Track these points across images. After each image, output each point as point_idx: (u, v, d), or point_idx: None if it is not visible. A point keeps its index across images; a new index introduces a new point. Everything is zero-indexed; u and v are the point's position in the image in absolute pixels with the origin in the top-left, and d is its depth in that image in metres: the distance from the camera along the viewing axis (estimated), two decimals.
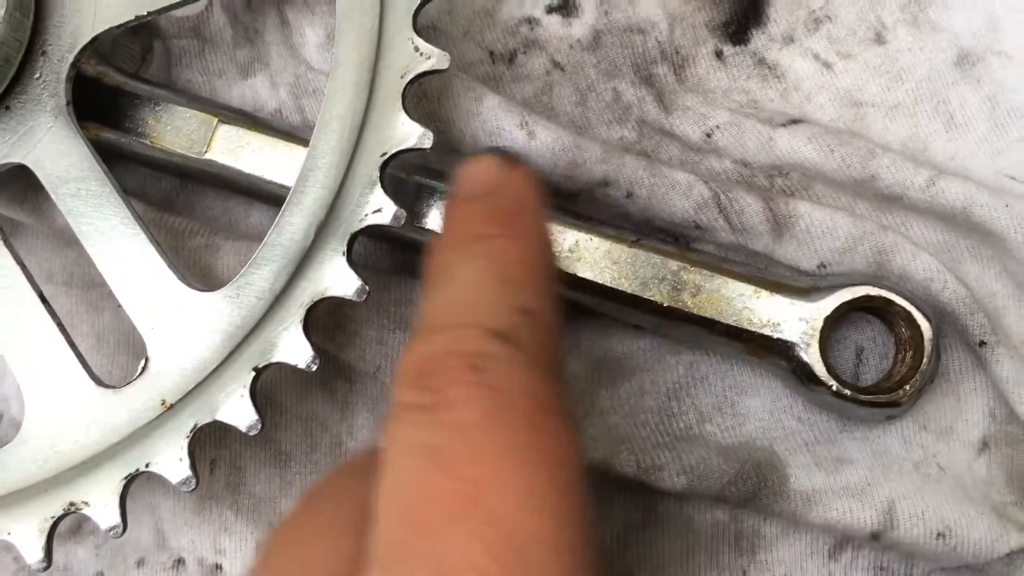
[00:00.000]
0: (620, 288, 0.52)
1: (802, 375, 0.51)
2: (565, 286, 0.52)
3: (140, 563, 0.55)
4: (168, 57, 0.59)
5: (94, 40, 0.49)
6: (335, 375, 0.56)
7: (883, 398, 0.51)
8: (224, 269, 0.54)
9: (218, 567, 0.55)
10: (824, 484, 0.51)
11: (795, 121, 0.56)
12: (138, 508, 0.55)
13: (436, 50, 0.47)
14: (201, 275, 0.54)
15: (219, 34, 0.58)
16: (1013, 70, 0.56)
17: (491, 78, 0.58)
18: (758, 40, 0.58)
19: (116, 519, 0.46)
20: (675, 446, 0.52)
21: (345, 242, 0.46)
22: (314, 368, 0.46)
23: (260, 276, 0.47)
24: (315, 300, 0.46)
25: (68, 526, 0.56)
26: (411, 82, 0.47)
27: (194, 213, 0.58)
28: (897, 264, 0.52)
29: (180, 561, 0.56)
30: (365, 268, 0.47)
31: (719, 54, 0.58)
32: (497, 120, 0.53)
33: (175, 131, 0.53)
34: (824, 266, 0.53)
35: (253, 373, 0.46)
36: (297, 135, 0.53)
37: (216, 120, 0.53)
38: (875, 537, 0.50)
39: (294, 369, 0.46)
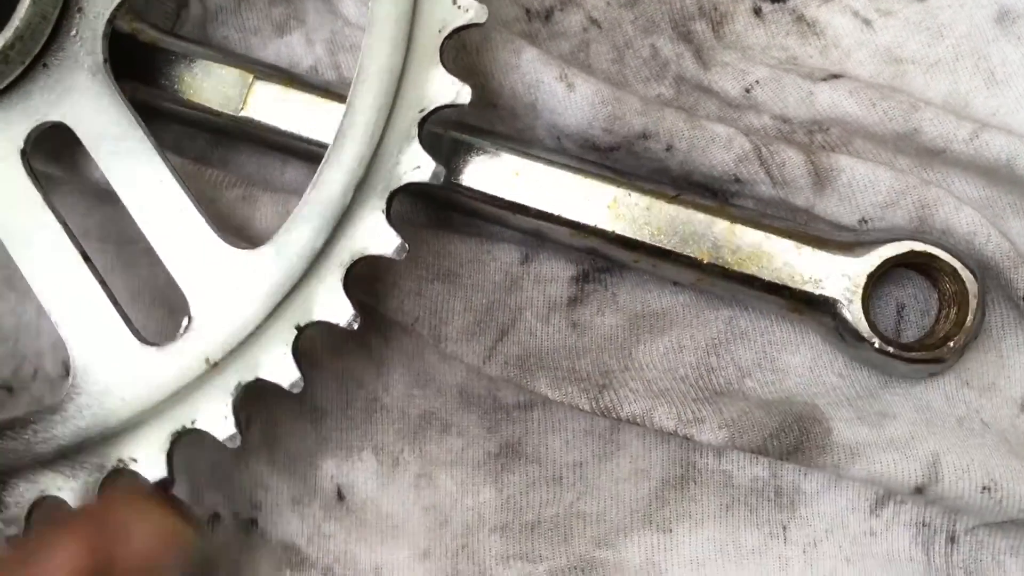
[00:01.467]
0: (659, 244, 0.51)
1: (844, 332, 0.51)
2: (603, 241, 0.52)
3: None
4: (204, 14, 0.59)
5: None
6: (370, 330, 0.56)
7: (926, 354, 0.51)
8: (263, 220, 0.53)
9: (253, 522, 0.55)
10: (868, 437, 0.50)
11: (835, 76, 0.55)
12: (175, 464, 0.55)
13: (474, 3, 0.47)
14: (239, 227, 0.54)
15: None
16: None
17: (527, 36, 0.58)
18: None
19: (164, 475, 0.47)
20: (715, 400, 0.52)
21: (384, 200, 0.46)
22: (355, 326, 0.46)
23: (300, 234, 0.46)
24: (355, 258, 0.46)
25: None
26: (449, 36, 0.47)
27: (229, 168, 0.58)
28: (940, 218, 0.52)
29: (216, 516, 0.55)
30: (402, 221, 0.47)
31: (757, 11, 0.58)
32: (536, 72, 0.53)
33: (211, 88, 0.53)
34: (866, 221, 0.53)
35: (295, 331, 0.46)
36: (334, 91, 0.53)
37: (252, 76, 0.53)
38: (919, 491, 0.50)
39: (334, 327, 0.46)
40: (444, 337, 0.54)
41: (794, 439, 0.50)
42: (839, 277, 0.50)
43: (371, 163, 0.46)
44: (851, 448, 0.50)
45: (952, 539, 0.52)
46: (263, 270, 0.47)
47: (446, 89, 0.46)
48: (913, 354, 0.51)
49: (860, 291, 0.50)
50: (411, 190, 0.46)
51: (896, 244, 0.51)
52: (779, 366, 0.54)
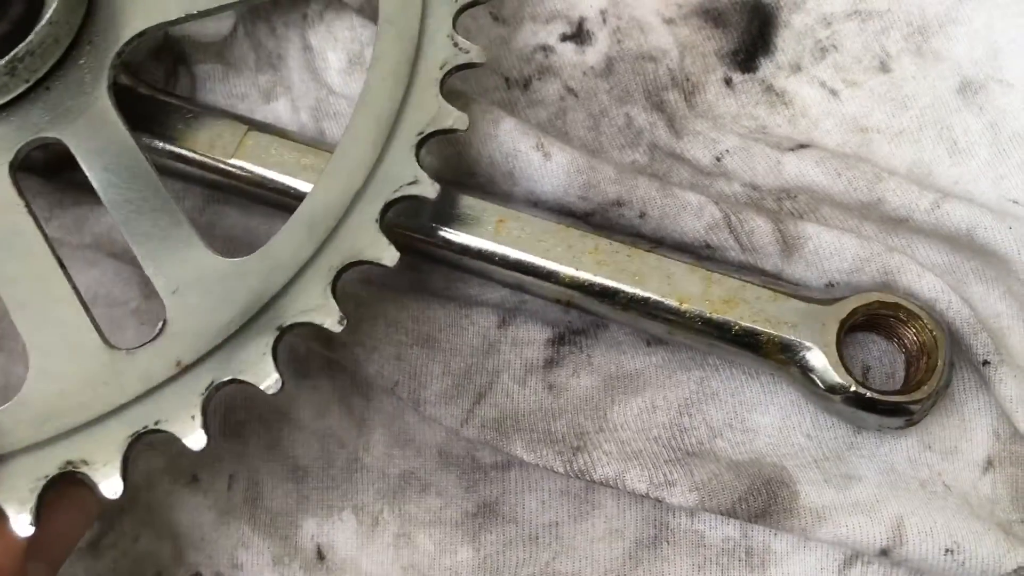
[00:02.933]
0: (639, 292, 0.52)
1: (817, 379, 0.52)
2: (585, 292, 0.53)
3: None
4: (193, 81, 0.60)
5: (142, 34, 0.50)
6: (352, 392, 0.57)
7: (901, 399, 0.51)
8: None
9: None
10: (834, 500, 0.52)
11: (803, 146, 0.57)
12: (156, 523, 0.56)
13: (474, 46, 0.50)
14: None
15: (242, 59, 0.60)
16: (1014, 97, 0.58)
17: (507, 103, 0.60)
18: (766, 68, 0.60)
19: (117, 479, 0.44)
20: (687, 461, 0.53)
21: (380, 209, 0.47)
22: (342, 328, 0.45)
23: (288, 243, 0.46)
24: (347, 262, 0.46)
25: (88, 540, 0.56)
26: (450, 72, 0.50)
27: (216, 231, 0.59)
28: (903, 284, 0.53)
29: (198, 574, 0.56)
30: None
31: (728, 81, 0.60)
32: (513, 142, 0.55)
33: (205, 136, 0.55)
34: (832, 285, 0.55)
35: (277, 332, 0.45)
36: (322, 146, 0.55)
37: (246, 127, 0.55)
38: (884, 553, 0.51)
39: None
40: (423, 401, 0.55)
41: (762, 503, 0.52)
42: (812, 322, 0.52)
43: (368, 177, 0.47)
44: (817, 512, 0.51)
45: None
46: (246, 276, 0.46)
47: (445, 116, 0.49)
48: (888, 398, 0.51)
49: (833, 337, 0.51)
50: (397, 234, 0.48)
51: (866, 295, 0.52)
52: (749, 426, 0.55)
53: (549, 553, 0.55)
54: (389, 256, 0.46)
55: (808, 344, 0.52)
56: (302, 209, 0.47)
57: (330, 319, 0.45)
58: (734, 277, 0.53)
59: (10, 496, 0.43)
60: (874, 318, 0.53)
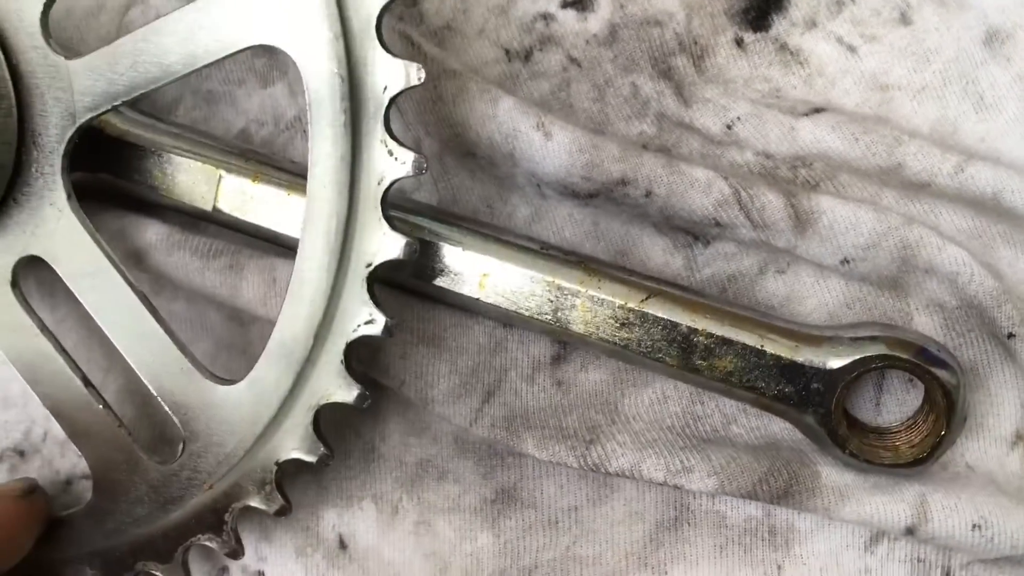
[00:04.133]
0: (630, 349, 0.51)
1: (817, 438, 0.51)
2: (571, 339, 0.52)
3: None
4: None
5: (80, 128, 0.48)
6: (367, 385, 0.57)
7: (905, 461, 0.50)
8: (249, 290, 0.54)
9: (260, 573, 0.57)
10: (855, 481, 0.51)
11: (818, 110, 0.55)
12: None
13: (411, 154, 0.46)
14: (226, 301, 0.55)
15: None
16: None
17: (507, 77, 0.58)
18: (779, 25, 0.57)
19: None
20: (703, 448, 0.52)
21: (342, 351, 0.47)
22: (328, 464, 0.49)
23: (269, 375, 0.48)
24: (320, 404, 0.48)
25: None
26: (388, 188, 0.46)
27: (213, 235, 0.58)
28: (923, 259, 0.51)
29: (224, 569, 0.57)
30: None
31: (739, 42, 0.57)
32: (513, 122, 0.53)
33: (182, 184, 0.54)
34: (848, 261, 0.52)
35: (276, 467, 0.49)
36: (300, 182, 0.51)
37: (220, 173, 0.53)
38: (911, 531, 0.50)
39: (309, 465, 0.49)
40: (430, 400, 0.54)
41: (784, 483, 0.51)
42: (811, 384, 0.49)
43: (326, 312, 0.47)
44: (840, 491, 0.50)
45: (947, 574, 0.52)
46: (242, 404, 0.49)
47: (391, 244, 0.46)
48: (893, 464, 0.50)
49: (834, 402, 0.49)
50: (365, 342, 0.48)
51: (872, 346, 0.49)
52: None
53: (569, 537, 0.55)
54: (355, 397, 0.48)
55: (806, 406, 0.50)
56: (273, 343, 0.48)
57: (316, 455, 0.49)
58: (730, 322, 0.50)
59: None
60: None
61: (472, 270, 0.51)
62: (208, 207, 0.53)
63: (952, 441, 0.50)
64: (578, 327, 0.51)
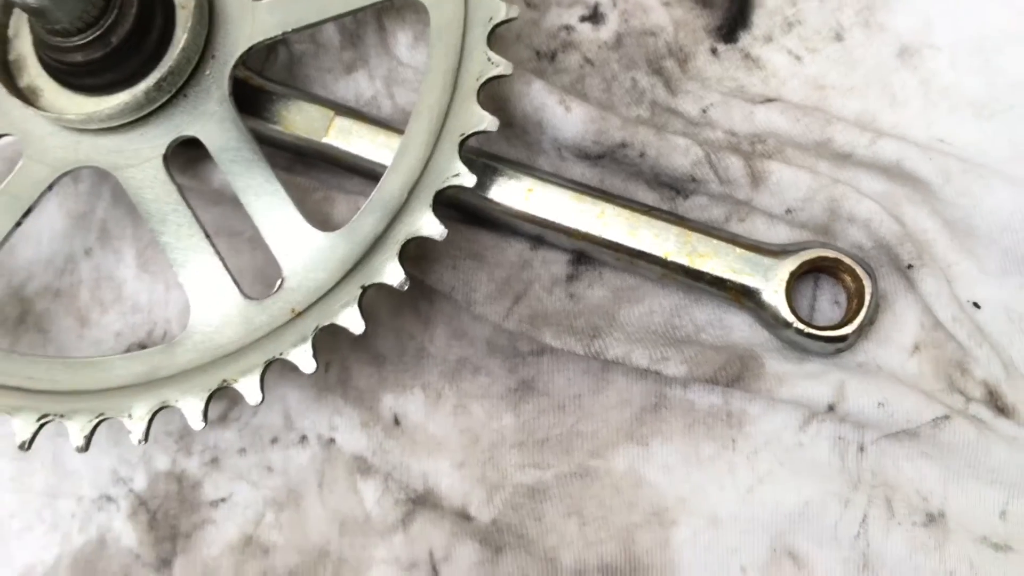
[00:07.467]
0: (634, 246, 0.68)
1: (770, 317, 0.67)
2: (593, 243, 0.69)
3: (273, 440, 0.73)
4: (291, 58, 0.77)
5: (250, 48, 0.66)
6: (419, 297, 0.73)
7: (833, 334, 0.67)
8: (339, 215, 0.71)
9: (332, 441, 0.72)
10: (791, 370, 0.67)
11: (771, 100, 0.73)
12: (271, 398, 0.73)
13: (503, 60, 0.63)
14: (322, 219, 0.71)
15: (330, 40, 0.76)
16: (942, 59, 0.73)
17: (537, 71, 0.76)
18: (745, 39, 0.75)
19: (257, 393, 0.61)
20: (678, 345, 0.69)
21: (431, 197, 0.61)
22: (405, 288, 0.61)
23: (367, 222, 0.62)
24: (408, 238, 0.61)
25: (218, 414, 0.73)
26: (484, 83, 0.63)
27: (311, 177, 0.76)
28: (845, 209, 0.68)
29: (304, 438, 0.73)
30: (442, 217, 0.63)
31: (714, 50, 0.75)
32: (542, 98, 0.71)
33: (302, 120, 0.71)
34: (790, 211, 0.70)
35: (361, 290, 0.62)
36: (393, 127, 0.70)
37: (333, 113, 0.71)
38: (831, 408, 0.66)
39: (391, 289, 0.61)
40: (473, 301, 0.71)
41: (736, 370, 0.67)
42: (768, 273, 0.66)
43: (423, 171, 0.62)
44: (779, 377, 0.67)
45: (861, 448, 0.67)
46: (338, 246, 0.62)
47: (480, 120, 0.62)
48: (823, 333, 0.66)
49: (784, 285, 0.66)
50: (450, 198, 0.62)
51: (811, 251, 0.67)
52: (726, 324, 0.70)
53: (573, 418, 0.71)
54: (439, 232, 0.61)
55: (764, 289, 0.66)
56: (375, 196, 0.62)
57: (397, 280, 0.61)
58: (709, 235, 0.67)
59: (189, 403, 0.61)
60: (819, 267, 0.68)
61: (519, 186, 0.68)
62: (320, 139, 0.70)
63: (870, 318, 0.66)
64: (598, 231, 0.68)
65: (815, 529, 0.65)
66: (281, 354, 0.61)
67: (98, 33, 0.62)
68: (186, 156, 0.72)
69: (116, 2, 0.62)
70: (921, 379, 0.67)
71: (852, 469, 0.66)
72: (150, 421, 0.61)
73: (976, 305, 0.68)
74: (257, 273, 0.74)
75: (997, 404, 0.66)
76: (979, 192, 0.68)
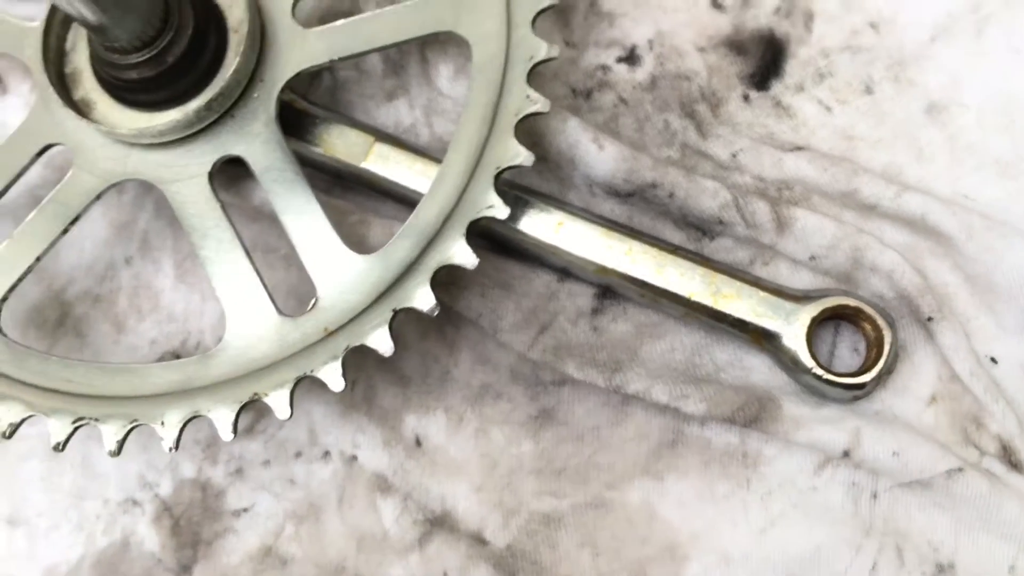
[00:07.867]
0: (660, 285, 0.69)
1: (790, 361, 0.68)
2: (620, 279, 0.70)
3: (297, 454, 0.74)
4: (335, 83, 0.79)
5: (298, 74, 0.68)
6: (446, 322, 0.75)
7: (852, 381, 0.68)
8: (374, 238, 0.73)
9: (354, 458, 0.74)
10: (808, 414, 0.69)
11: (800, 148, 0.74)
12: (297, 413, 0.73)
13: (541, 97, 0.65)
14: (357, 241, 0.73)
15: (373, 68, 0.79)
16: (970, 117, 0.75)
17: (573, 108, 0.78)
18: (776, 88, 0.77)
19: (286, 408, 0.62)
20: (698, 383, 0.70)
21: (465, 227, 0.63)
22: (435, 314, 0.63)
23: (401, 247, 0.64)
24: (441, 266, 0.63)
25: (245, 425, 0.75)
26: (522, 120, 0.64)
27: (348, 200, 0.78)
28: (868, 258, 0.70)
29: (327, 453, 0.74)
30: (473, 247, 0.65)
31: (746, 97, 0.77)
32: (576, 135, 0.72)
33: (342, 144, 0.73)
34: (814, 258, 0.71)
35: (392, 313, 0.63)
36: (431, 155, 0.72)
37: (373, 138, 0.73)
38: (847, 454, 0.67)
39: (419, 313, 0.63)
40: (499, 329, 0.73)
41: (754, 412, 0.69)
42: (790, 318, 0.68)
43: (458, 200, 0.63)
44: (796, 420, 0.68)
45: (874, 496, 0.68)
46: (373, 269, 0.64)
47: (517, 155, 0.64)
48: (842, 380, 0.68)
49: (804, 330, 0.67)
50: (482, 226, 0.63)
51: (833, 298, 0.68)
52: (746, 365, 0.72)
53: (591, 448, 0.72)
54: (471, 261, 0.62)
55: (785, 334, 0.68)
56: (410, 222, 0.63)
57: (428, 305, 0.62)
58: (733, 277, 0.69)
59: (220, 413, 0.62)
60: (840, 314, 0.69)
61: (550, 219, 0.70)
62: (359, 163, 0.72)
63: (889, 368, 0.67)
64: (625, 268, 0.69)
65: (825, 573, 0.66)
66: (312, 371, 0.62)
67: (154, 52, 0.64)
68: (228, 173, 0.74)
69: (173, 24, 0.64)
70: (936, 430, 0.69)
71: (865, 516, 0.67)
72: (182, 429, 0.63)
73: (993, 360, 0.69)
74: (290, 290, 0.76)
75: (1010, 459, 0.67)
76: (1001, 249, 0.70)
